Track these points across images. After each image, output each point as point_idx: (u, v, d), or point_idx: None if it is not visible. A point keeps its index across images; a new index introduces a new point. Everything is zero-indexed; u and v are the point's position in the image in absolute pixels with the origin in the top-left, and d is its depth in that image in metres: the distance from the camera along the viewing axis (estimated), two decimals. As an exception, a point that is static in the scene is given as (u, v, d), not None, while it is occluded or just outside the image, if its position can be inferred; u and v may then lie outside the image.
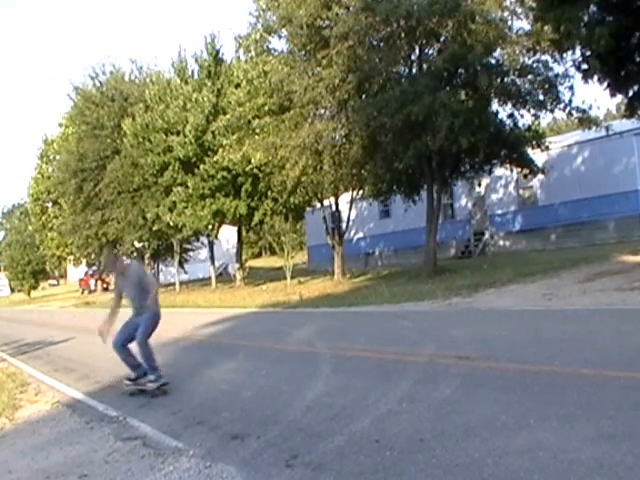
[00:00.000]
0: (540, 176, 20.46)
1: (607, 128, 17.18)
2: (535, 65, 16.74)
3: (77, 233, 35.47)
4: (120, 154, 30.87)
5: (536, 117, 18.35)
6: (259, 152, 19.51)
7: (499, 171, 21.60)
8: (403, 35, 16.85)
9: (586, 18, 12.03)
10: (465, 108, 15.99)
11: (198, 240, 37.57)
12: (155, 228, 29.81)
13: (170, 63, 30.73)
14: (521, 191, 25.18)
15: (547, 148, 18.58)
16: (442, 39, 17.15)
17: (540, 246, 23.12)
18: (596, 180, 21.63)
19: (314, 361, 7.11)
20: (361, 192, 23.10)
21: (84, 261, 47.39)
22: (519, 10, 16.37)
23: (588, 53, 12.52)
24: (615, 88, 12.93)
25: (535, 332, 7.45)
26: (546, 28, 13.75)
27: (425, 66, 17.61)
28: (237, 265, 30.65)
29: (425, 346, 7.22)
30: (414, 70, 17.77)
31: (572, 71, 15.83)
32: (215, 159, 24.31)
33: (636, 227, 20.37)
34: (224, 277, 39.21)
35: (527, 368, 5.40)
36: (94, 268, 50.31)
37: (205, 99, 26.23)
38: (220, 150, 23.23)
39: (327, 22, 17.23)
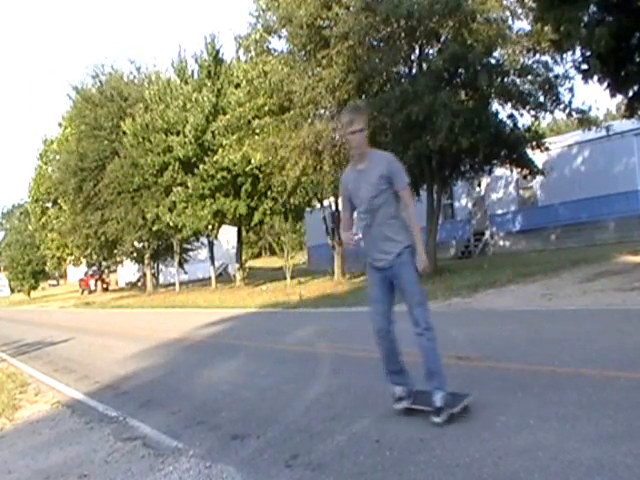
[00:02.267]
0: (540, 176, 20.48)
1: (607, 128, 17.21)
2: (535, 66, 16.76)
3: (77, 233, 35.50)
4: (119, 155, 30.89)
5: (536, 118, 18.36)
6: (259, 152, 19.52)
7: (499, 171, 21.62)
8: (403, 35, 16.85)
9: (586, 18, 12.03)
10: (465, 108, 16.00)
11: (198, 240, 37.60)
12: (155, 228, 29.84)
13: (170, 63, 30.78)
14: (521, 191, 25.20)
15: (547, 149, 18.60)
16: (442, 39, 17.16)
17: (540, 246, 23.13)
18: (596, 180, 21.64)
19: (314, 361, 7.10)
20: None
21: (84, 261, 47.41)
22: (519, 10, 16.40)
23: (588, 53, 12.52)
24: (615, 88, 12.94)
25: (535, 332, 7.44)
26: (546, 28, 13.76)
27: (425, 66, 17.60)
28: (237, 265, 30.67)
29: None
30: (414, 70, 17.76)
31: (572, 72, 15.86)
32: (215, 159, 24.32)
33: (636, 227, 20.38)
34: (224, 277, 39.25)
35: (527, 368, 5.39)
36: (94, 268, 50.39)
37: (205, 99, 26.26)
38: (220, 150, 23.24)
39: (327, 22, 17.24)
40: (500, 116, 18.03)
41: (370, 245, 4.35)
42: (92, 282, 49.55)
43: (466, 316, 9.88)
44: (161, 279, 45.49)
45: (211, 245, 33.82)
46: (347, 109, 4.45)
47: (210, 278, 33.47)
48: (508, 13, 16.55)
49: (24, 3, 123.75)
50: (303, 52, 18.23)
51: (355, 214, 4.53)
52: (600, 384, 4.60)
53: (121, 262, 45.60)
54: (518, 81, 16.90)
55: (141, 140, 28.27)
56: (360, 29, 16.02)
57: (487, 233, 26.07)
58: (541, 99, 16.94)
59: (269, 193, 24.67)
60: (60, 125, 42.06)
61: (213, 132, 25.05)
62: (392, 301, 4.41)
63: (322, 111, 18.54)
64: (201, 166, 25.58)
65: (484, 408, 4.38)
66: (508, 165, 19.30)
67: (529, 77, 16.74)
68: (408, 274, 4.22)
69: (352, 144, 4.29)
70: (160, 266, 43.97)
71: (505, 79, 16.81)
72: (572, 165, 22.87)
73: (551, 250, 21.85)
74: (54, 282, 76.05)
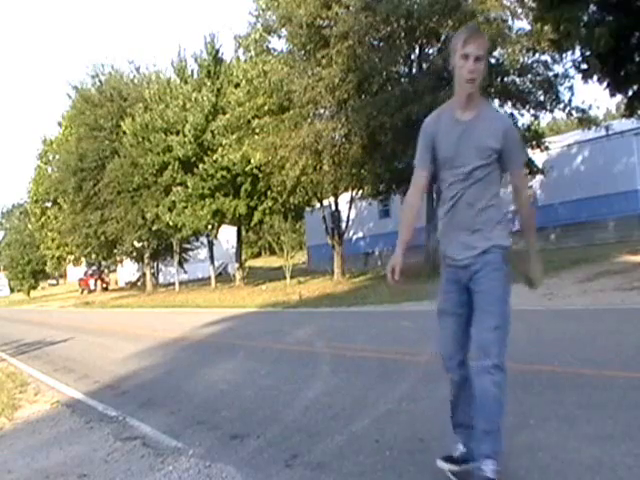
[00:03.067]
0: (540, 176, 20.48)
1: (607, 128, 17.23)
2: (535, 65, 16.79)
3: (76, 232, 35.53)
4: (119, 155, 30.90)
5: (536, 117, 18.39)
6: (259, 152, 19.54)
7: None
8: (403, 34, 16.87)
9: (586, 18, 12.05)
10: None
11: (198, 240, 37.59)
12: (154, 228, 29.86)
13: (170, 63, 30.78)
14: (521, 191, 25.19)
15: (547, 148, 18.61)
16: (442, 38, 17.19)
17: (540, 246, 23.11)
18: (596, 180, 21.64)
19: (314, 361, 7.10)
20: (361, 192, 23.11)
21: (84, 261, 47.39)
22: (519, 10, 16.43)
23: (588, 53, 12.54)
24: (615, 88, 12.95)
25: (535, 332, 7.44)
26: (546, 28, 13.77)
27: (425, 65, 17.63)
28: (237, 265, 30.66)
29: (425, 346, 7.21)
30: (414, 69, 17.79)
31: (572, 71, 15.90)
32: (215, 158, 24.32)
33: (636, 227, 20.38)
34: (224, 277, 39.23)
35: (527, 368, 5.39)
36: (94, 268, 50.36)
37: (205, 99, 26.25)
38: (220, 149, 23.25)
39: (327, 21, 17.26)
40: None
41: (449, 232, 3.11)
42: (92, 282, 49.48)
43: (466, 316, 9.87)
44: (161, 279, 45.48)
45: (211, 245, 33.81)
46: (464, 28, 3.07)
47: (210, 278, 33.46)
48: (508, 13, 16.58)
49: (24, 3, 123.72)
50: (303, 52, 18.25)
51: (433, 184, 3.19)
52: (600, 384, 4.60)
53: (121, 262, 45.59)
54: (518, 80, 16.94)
55: (141, 140, 28.26)
56: (360, 29, 16.04)
57: (487, 233, 26.07)
58: (541, 98, 16.97)
59: (269, 193, 24.65)
60: (60, 125, 42.05)
61: (213, 132, 25.04)
62: (470, 314, 3.10)
63: (322, 111, 18.55)
64: (201, 166, 25.57)
65: (484, 408, 4.38)
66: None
67: (529, 76, 16.77)
68: (493, 281, 2.94)
69: (464, 74, 2.89)
70: (160, 266, 43.96)
71: (505, 78, 16.84)
72: (572, 165, 22.88)
73: (551, 250, 21.82)
74: (54, 282, 75.99)
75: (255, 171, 22.89)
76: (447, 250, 3.14)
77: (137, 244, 35.90)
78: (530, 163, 18.67)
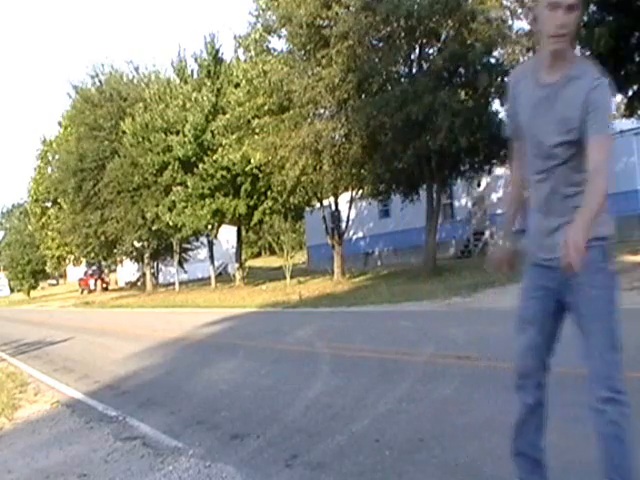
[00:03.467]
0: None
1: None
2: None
3: (77, 232, 35.53)
4: (119, 154, 30.91)
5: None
6: (259, 152, 19.54)
7: (499, 170, 21.62)
8: (403, 34, 16.88)
9: (586, 18, 12.06)
10: (465, 108, 16.02)
11: (198, 240, 37.60)
12: (154, 228, 29.86)
13: (170, 63, 30.81)
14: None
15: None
16: (442, 38, 17.20)
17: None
18: (596, 180, 21.65)
19: (314, 361, 7.10)
20: (361, 192, 23.12)
21: (84, 261, 47.38)
22: (519, 10, 16.43)
23: (588, 53, 12.54)
24: (615, 88, 12.95)
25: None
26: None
27: (425, 65, 17.64)
28: (236, 265, 30.67)
29: (425, 346, 7.22)
30: (414, 69, 17.80)
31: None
32: (214, 158, 24.34)
33: (636, 227, 20.39)
34: (223, 277, 39.23)
35: (527, 368, 5.39)
36: (94, 268, 50.33)
37: (205, 99, 26.27)
38: (220, 149, 23.27)
39: (327, 21, 17.27)
40: (500, 116, 18.07)
41: (533, 220, 2.55)
42: (92, 282, 49.42)
43: (466, 316, 9.88)
44: (161, 279, 45.48)
45: (211, 245, 33.82)
46: None
47: (210, 278, 33.46)
48: (508, 13, 16.59)
49: (24, 3, 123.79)
50: (303, 51, 18.26)
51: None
52: (600, 384, 4.59)
53: (121, 262, 45.59)
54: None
55: (141, 139, 28.27)
56: (360, 28, 16.05)
57: (487, 233, 26.06)
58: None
59: (269, 193, 24.67)
60: (60, 125, 42.03)
61: (213, 132, 25.05)
62: (557, 329, 2.63)
63: (322, 110, 18.56)
64: (201, 165, 25.58)
65: (484, 408, 4.38)
66: (508, 164, 19.32)
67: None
68: (593, 289, 2.46)
69: (551, 29, 2.27)
70: (160, 265, 43.95)
71: (505, 78, 16.83)
72: (572, 165, 22.88)
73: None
74: (54, 282, 75.92)
75: (255, 171, 22.90)
76: (531, 245, 2.53)
77: (137, 244, 35.89)
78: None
